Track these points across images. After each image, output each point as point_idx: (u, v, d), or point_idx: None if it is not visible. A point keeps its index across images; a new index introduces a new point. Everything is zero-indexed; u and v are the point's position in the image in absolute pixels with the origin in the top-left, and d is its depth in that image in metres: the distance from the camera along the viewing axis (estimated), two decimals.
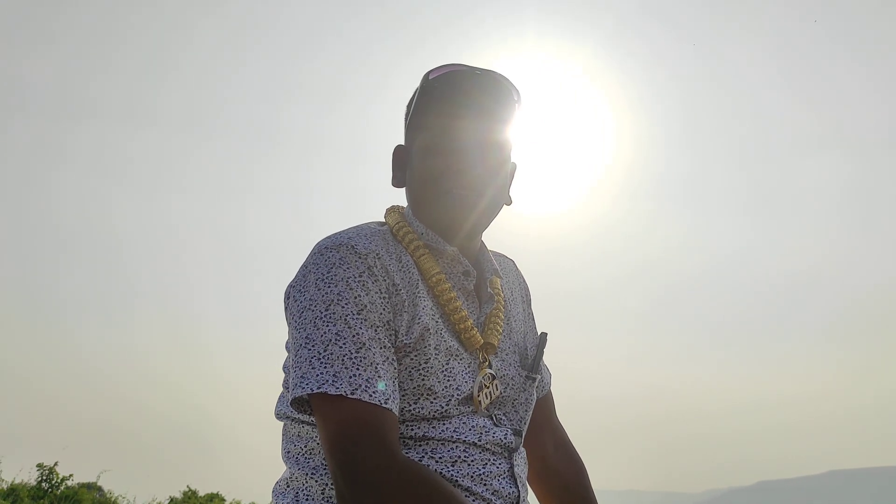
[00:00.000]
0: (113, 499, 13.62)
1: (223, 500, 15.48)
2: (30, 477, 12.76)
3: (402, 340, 1.46)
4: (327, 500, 1.47)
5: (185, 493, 15.35)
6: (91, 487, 13.72)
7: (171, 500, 14.93)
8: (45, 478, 12.61)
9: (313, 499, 1.48)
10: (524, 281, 1.85)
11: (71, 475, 12.99)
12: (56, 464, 12.82)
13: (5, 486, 12.13)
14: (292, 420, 1.56)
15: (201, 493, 15.58)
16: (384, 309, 1.45)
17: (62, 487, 12.65)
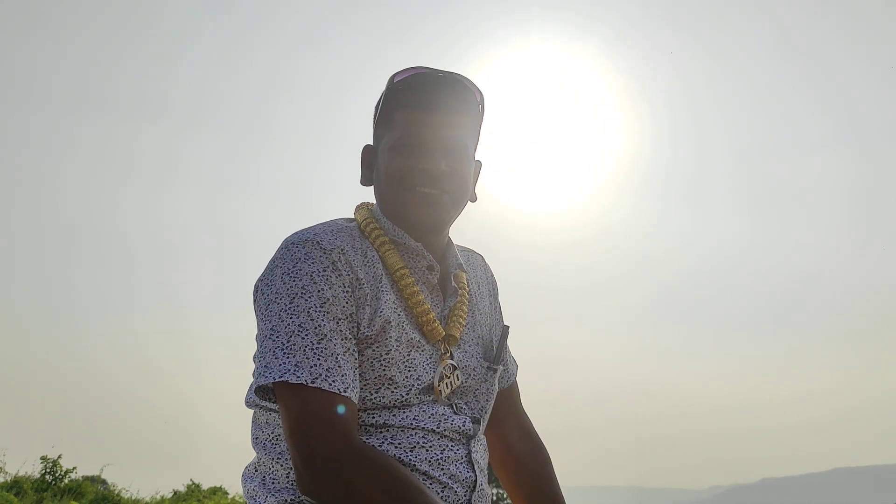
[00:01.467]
0: (116, 492, 13.69)
1: (226, 493, 15.56)
2: (34, 469, 12.86)
3: (364, 332, 1.53)
4: (292, 484, 1.54)
5: (188, 487, 15.44)
6: (95, 480, 13.79)
7: (175, 493, 15.01)
8: (48, 470, 12.68)
9: (279, 482, 1.56)
10: (492, 275, 1.91)
11: (74, 468, 13.07)
12: (60, 456, 12.90)
13: (9, 479, 12.20)
14: (260, 407, 1.63)
15: (205, 487, 15.67)
16: (347, 302, 1.52)
17: (66, 480, 12.73)
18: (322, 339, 1.47)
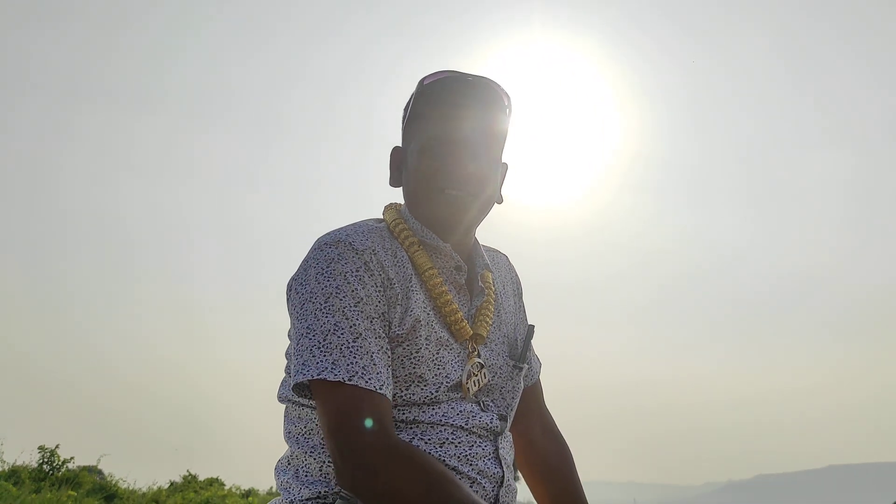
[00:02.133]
0: (114, 482, 13.69)
1: (223, 484, 15.58)
2: (31, 459, 12.87)
3: (395, 331, 1.57)
4: (324, 476, 1.59)
5: (184, 478, 15.46)
6: (92, 471, 13.80)
7: (171, 483, 15.04)
8: (46, 460, 12.69)
9: (312, 475, 1.61)
10: (516, 275, 1.95)
11: (72, 458, 13.08)
12: (57, 446, 12.91)
13: (7, 468, 12.21)
14: (293, 403, 1.67)
15: (201, 478, 15.69)
16: (379, 302, 1.56)
17: (63, 470, 12.73)
18: (357, 337, 1.51)
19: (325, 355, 1.49)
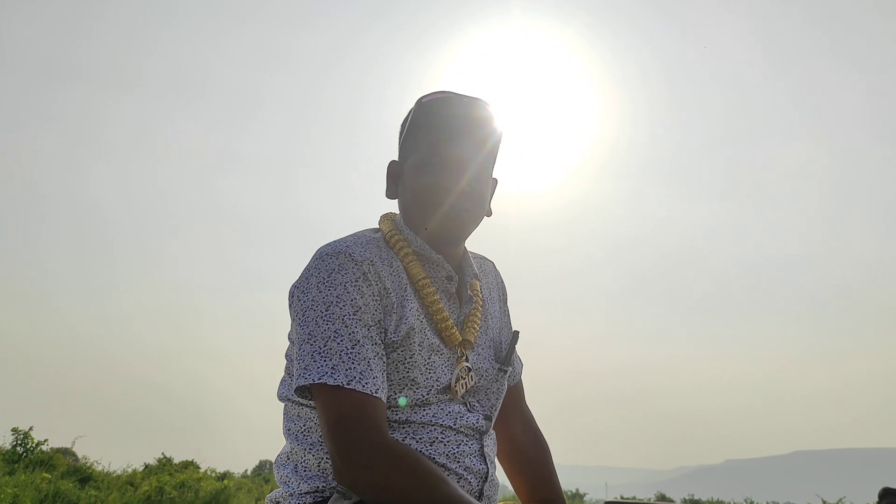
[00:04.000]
0: (88, 464, 13.69)
1: (198, 467, 15.61)
2: (4, 441, 12.85)
3: (391, 338, 1.69)
4: (322, 472, 1.71)
5: (159, 461, 15.48)
6: (66, 453, 13.79)
7: (146, 466, 15.05)
8: (19, 442, 12.68)
9: (310, 470, 1.73)
10: (502, 281, 2.08)
11: (46, 440, 13.07)
12: (31, 428, 12.89)
13: None
14: (292, 402, 1.79)
15: (176, 461, 15.70)
16: (376, 310, 1.68)
17: (37, 452, 12.71)
18: (356, 344, 1.63)
19: (325, 360, 1.61)
